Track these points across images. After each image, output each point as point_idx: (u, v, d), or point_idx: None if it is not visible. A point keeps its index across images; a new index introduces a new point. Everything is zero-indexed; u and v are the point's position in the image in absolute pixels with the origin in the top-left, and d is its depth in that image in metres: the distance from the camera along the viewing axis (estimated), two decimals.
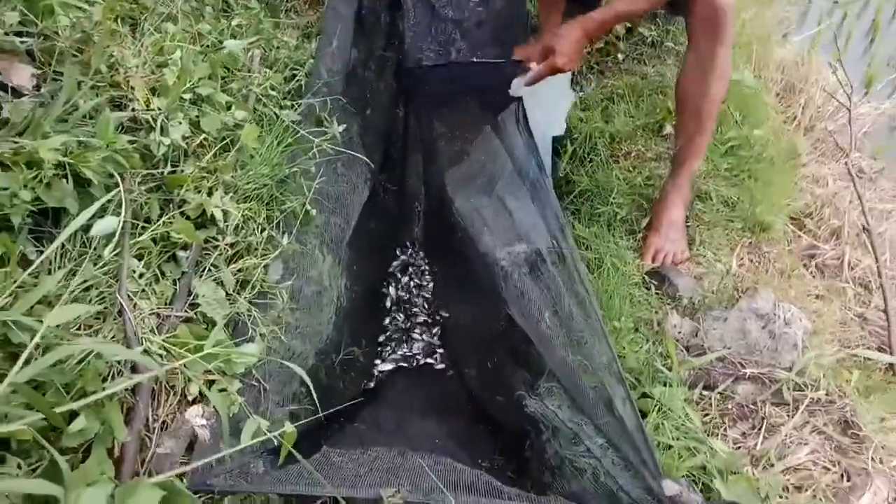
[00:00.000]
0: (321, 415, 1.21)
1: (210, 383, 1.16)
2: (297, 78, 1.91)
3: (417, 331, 2.00)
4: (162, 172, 1.26)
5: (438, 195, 2.20)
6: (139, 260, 1.16)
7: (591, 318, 1.45)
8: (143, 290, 1.14)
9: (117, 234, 1.08)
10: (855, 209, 2.16)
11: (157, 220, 1.22)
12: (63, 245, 1.07)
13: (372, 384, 1.81)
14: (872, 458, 1.28)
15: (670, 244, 1.81)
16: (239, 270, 1.31)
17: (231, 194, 1.35)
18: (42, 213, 1.08)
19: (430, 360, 1.92)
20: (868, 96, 2.91)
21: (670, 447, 1.27)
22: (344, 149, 1.90)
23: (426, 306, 2.10)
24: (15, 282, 0.96)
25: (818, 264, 2.04)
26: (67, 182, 1.06)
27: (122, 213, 1.06)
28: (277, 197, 1.45)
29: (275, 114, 1.65)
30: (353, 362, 1.74)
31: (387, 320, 2.01)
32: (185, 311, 1.19)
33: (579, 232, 1.89)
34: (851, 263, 2.05)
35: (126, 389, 0.99)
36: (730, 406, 1.37)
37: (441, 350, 1.94)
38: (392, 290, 2.11)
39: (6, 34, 1.17)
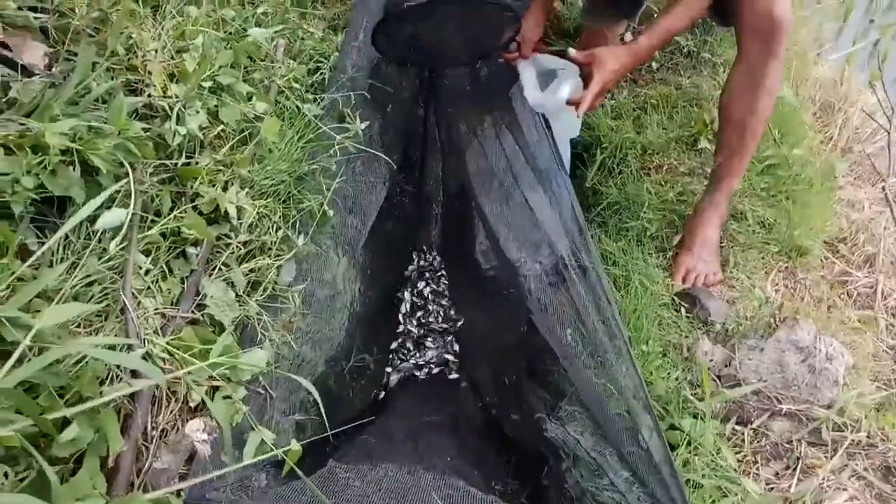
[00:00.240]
0: (329, 433, 1.14)
1: (214, 389, 1.09)
2: (321, 71, 1.84)
3: (431, 339, 1.93)
4: (176, 164, 1.19)
5: (458, 197, 2.13)
6: (146, 255, 1.09)
7: (616, 338, 1.37)
8: (149, 288, 1.07)
9: (124, 228, 1.01)
10: (891, 236, 2.07)
11: (169, 214, 1.15)
12: (67, 236, 1.01)
13: (382, 393, 1.74)
14: None
15: (703, 264, 1.72)
16: (251, 270, 1.24)
17: (247, 190, 1.28)
18: (47, 201, 1.02)
19: (443, 370, 1.85)
20: None
21: (700, 486, 1.19)
22: (365, 146, 1.84)
23: (441, 313, 2.02)
24: (13, 274, 0.90)
25: (850, 292, 1.95)
26: (74, 169, 1.00)
27: (131, 206, 0.99)
28: (295, 195, 1.38)
29: (297, 107, 1.58)
30: (363, 370, 1.67)
31: (400, 327, 1.93)
32: (192, 311, 1.12)
33: (606, 246, 1.80)
34: (885, 293, 1.96)
35: (124, 395, 0.92)
36: (763, 443, 1.29)
37: (455, 360, 1.86)
38: (407, 295, 2.04)
39: (20, 8, 1.10)
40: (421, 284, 2.09)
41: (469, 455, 1.37)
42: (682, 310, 1.62)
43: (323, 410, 1.09)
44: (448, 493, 1.09)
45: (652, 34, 1.61)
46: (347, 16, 2.21)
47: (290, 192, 1.38)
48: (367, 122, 1.84)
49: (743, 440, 1.31)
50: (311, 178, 1.45)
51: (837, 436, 1.29)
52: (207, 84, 1.29)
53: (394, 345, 1.89)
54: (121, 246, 1.03)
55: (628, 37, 2.37)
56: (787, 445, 1.29)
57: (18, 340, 0.80)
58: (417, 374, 1.82)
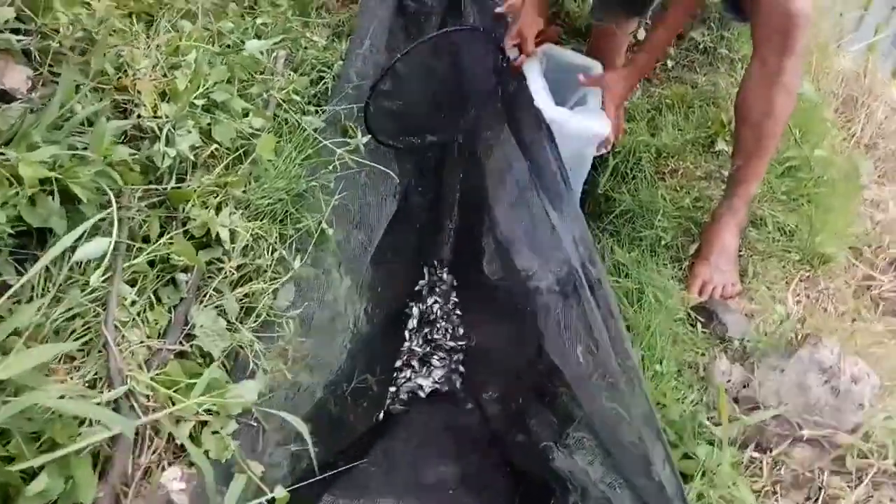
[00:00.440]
0: (321, 476, 1.09)
1: (202, 425, 1.05)
2: (325, 80, 1.79)
3: (438, 357, 1.87)
4: (166, 187, 1.15)
5: (474, 211, 2.07)
6: (132, 285, 1.05)
7: (627, 360, 1.31)
8: (134, 320, 1.03)
9: (107, 258, 0.97)
10: None
11: (158, 240, 1.11)
12: (47, 269, 0.97)
13: (383, 415, 1.68)
14: None
15: (720, 275, 1.65)
16: (245, 296, 1.20)
17: (242, 211, 1.24)
18: (28, 233, 0.98)
19: (450, 390, 1.80)
20: None
21: None
22: (371, 158, 1.78)
23: (450, 331, 1.96)
24: None
25: (873, 297, 1.87)
26: (54, 199, 0.96)
27: (113, 235, 0.95)
28: (293, 213, 1.33)
29: (297, 121, 1.54)
30: (365, 391, 1.62)
31: (406, 345, 1.88)
32: (181, 342, 1.08)
33: (619, 257, 1.73)
34: None
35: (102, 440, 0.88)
36: (783, 472, 1.22)
37: (463, 380, 1.81)
38: (416, 311, 1.98)
39: (1, 31, 1.07)
40: (430, 301, 2.02)
41: (472, 485, 1.32)
42: (699, 325, 1.55)
43: (312, 450, 1.04)
44: None
45: (651, 47, 1.70)
46: (352, 22, 2.16)
47: (287, 212, 1.33)
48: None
49: (761, 469, 1.25)
50: (311, 195, 1.40)
51: (863, 463, 1.22)
52: (200, 102, 1.24)
53: (399, 363, 1.84)
54: (104, 277, 0.99)
55: (641, 33, 2.29)
56: (808, 474, 1.22)
57: None
58: (422, 394, 1.76)
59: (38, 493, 0.76)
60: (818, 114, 2.14)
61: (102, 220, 1.00)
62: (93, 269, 0.99)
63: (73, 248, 0.92)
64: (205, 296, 1.15)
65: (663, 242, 1.75)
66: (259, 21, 1.65)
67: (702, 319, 1.56)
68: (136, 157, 1.11)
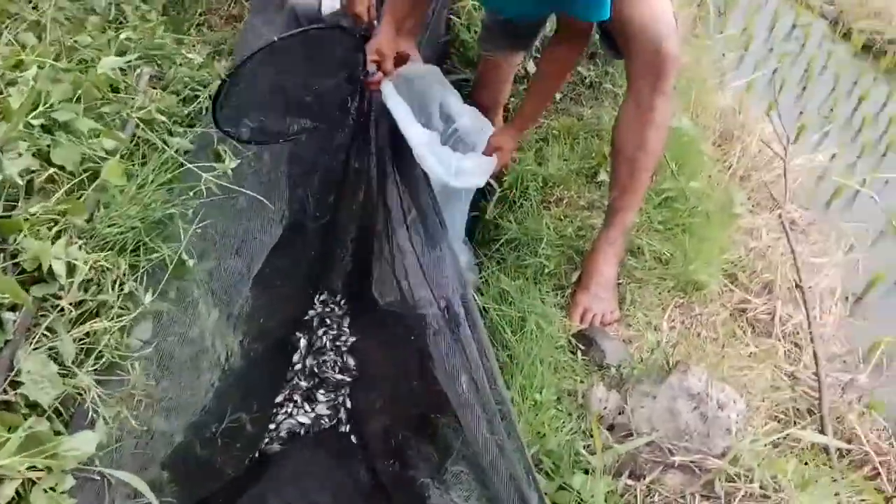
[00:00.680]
0: None
1: (31, 483, 0.93)
2: (200, 100, 1.70)
3: (323, 391, 1.78)
4: None
5: (365, 238, 2.01)
6: None
7: (496, 386, 1.29)
8: None
9: None
10: (787, 262, 2.10)
11: None
12: None
13: (259, 456, 1.58)
14: None
15: (599, 303, 1.68)
16: (86, 335, 1.08)
17: (84, 241, 1.13)
18: None
19: (334, 426, 1.71)
20: (800, 145, 2.90)
21: None
22: (253, 181, 1.70)
23: (338, 363, 1.88)
24: None
25: (749, 319, 1.96)
26: None
27: None
28: (147, 243, 1.23)
29: (161, 142, 1.44)
30: (239, 431, 1.52)
31: (289, 378, 1.78)
32: (4, 390, 0.96)
33: (504, 285, 1.73)
34: (783, 319, 1.97)
35: None
36: (656, 499, 1.22)
37: (347, 415, 1.73)
38: (303, 342, 1.88)
39: None
40: (320, 331, 1.94)
41: None
42: (579, 352, 1.56)
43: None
44: None
45: (534, 101, 1.75)
46: (234, 40, 2.09)
47: (140, 241, 1.23)
48: (254, 153, 1.73)
49: (636, 496, 1.25)
50: (171, 222, 1.31)
51: (731, 487, 1.25)
52: (38, 122, 1.13)
53: (279, 398, 1.74)
54: None
55: (531, 67, 2.34)
56: (680, 500, 1.23)
57: None
58: (304, 430, 1.67)
59: None
60: (695, 147, 2.24)
61: None
62: None
63: None
64: (35, 337, 1.03)
65: (547, 270, 1.77)
66: (123, 36, 1.54)
67: (582, 346, 1.57)
68: None
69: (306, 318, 1.93)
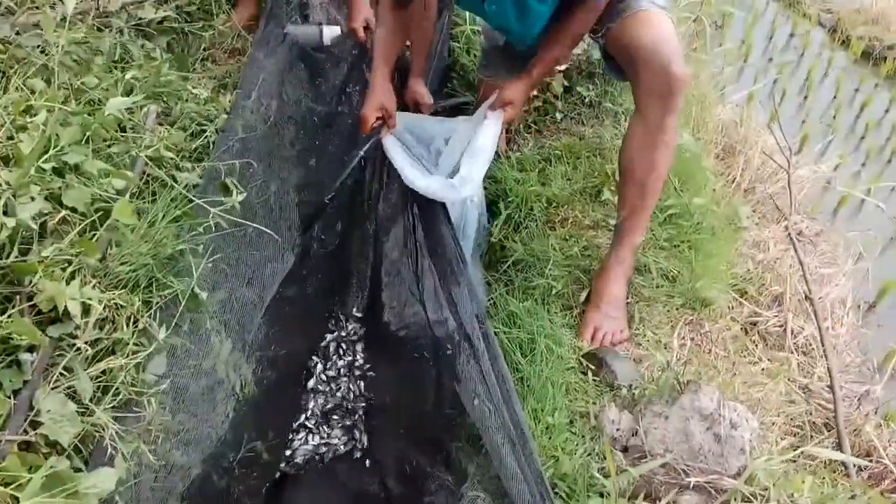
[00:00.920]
0: None
1: None
2: (207, 134, 1.73)
3: (338, 416, 1.79)
4: (7, 260, 1.05)
5: (381, 264, 2.03)
6: None
7: (516, 415, 1.29)
8: None
9: None
10: (796, 273, 2.09)
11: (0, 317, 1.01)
12: None
13: (276, 483, 1.59)
14: None
15: (609, 322, 1.68)
16: (102, 373, 1.10)
17: (98, 280, 1.15)
18: None
19: (349, 451, 1.71)
20: (804, 155, 2.90)
21: None
22: (261, 213, 1.73)
23: (353, 388, 1.88)
24: None
25: (760, 332, 1.95)
26: None
27: None
28: (159, 279, 1.25)
29: (172, 177, 1.46)
30: (255, 459, 1.52)
31: (304, 404, 1.79)
32: (25, 430, 0.98)
33: (512, 307, 1.73)
34: (794, 331, 1.96)
35: None
36: None
37: (363, 439, 1.73)
38: (319, 367, 1.89)
39: None
40: (335, 356, 1.95)
41: None
42: (590, 373, 1.56)
43: None
44: None
45: (542, 64, 1.73)
46: (239, 74, 2.12)
47: (153, 277, 1.25)
48: (261, 186, 1.76)
49: None
50: (182, 258, 1.33)
51: None
52: (49, 165, 1.15)
53: (295, 425, 1.74)
54: None
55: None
56: None
57: None
58: (320, 456, 1.68)
59: None
60: (698, 163, 2.25)
61: None
62: None
63: None
64: (53, 377, 1.05)
65: (554, 291, 1.77)
66: (129, 75, 1.57)
67: (592, 367, 1.57)
68: None
69: (321, 344, 1.95)
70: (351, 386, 1.87)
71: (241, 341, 1.54)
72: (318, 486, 1.57)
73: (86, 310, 1.09)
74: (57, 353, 1.08)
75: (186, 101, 1.79)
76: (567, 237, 1.92)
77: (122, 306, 1.16)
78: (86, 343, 1.09)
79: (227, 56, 2.28)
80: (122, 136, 1.39)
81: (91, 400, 1.07)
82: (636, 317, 1.72)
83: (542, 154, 2.22)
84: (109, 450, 1.06)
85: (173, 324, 1.22)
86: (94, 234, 1.18)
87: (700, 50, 3.11)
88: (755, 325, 1.94)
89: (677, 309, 1.75)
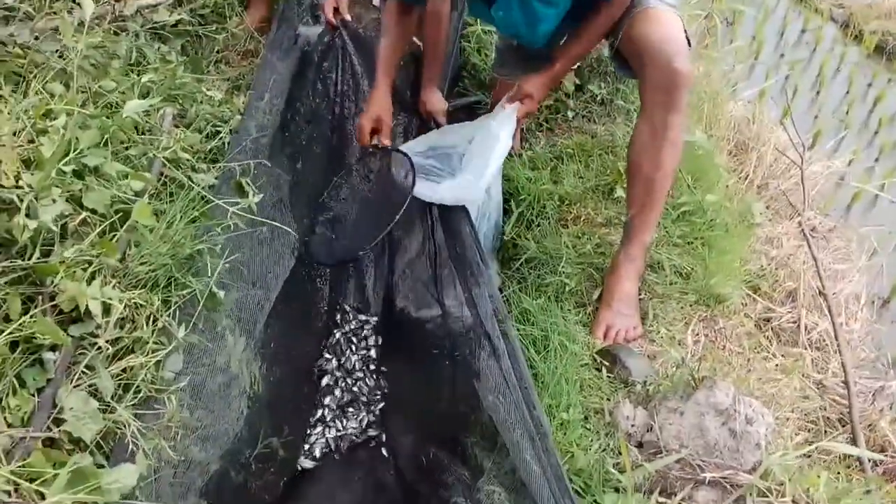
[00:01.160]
0: None
1: None
2: (221, 135, 1.75)
3: (353, 409, 1.80)
4: (30, 261, 1.07)
5: (391, 258, 2.05)
6: None
7: (534, 410, 1.30)
8: None
9: None
10: (809, 269, 2.09)
11: (22, 317, 1.03)
12: None
13: (294, 476, 1.60)
14: None
15: (622, 319, 1.68)
16: (123, 371, 1.12)
17: (118, 280, 1.17)
18: None
19: (364, 443, 1.73)
20: (817, 151, 2.89)
21: None
22: (270, 215, 1.74)
23: (367, 381, 1.90)
24: None
25: (774, 329, 1.94)
26: None
27: None
28: (178, 279, 1.27)
29: (188, 178, 1.48)
30: (272, 455, 1.54)
31: (319, 398, 1.80)
32: (49, 427, 1.00)
33: (526, 304, 1.74)
34: (808, 327, 1.95)
35: None
36: None
37: (379, 432, 1.75)
38: (333, 362, 1.91)
39: None
40: (347, 351, 1.96)
41: None
42: (604, 370, 1.56)
43: None
44: None
45: (565, 59, 1.75)
46: (252, 76, 2.14)
47: (171, 277, 1.26)
48: (273, 188, 1.77)
49: None
50: (200, 258, 1.35)
51: (762, 502, 1.24)
52: (69, 168, 1.17)
53: (312, 419, 1.76)
54: None
55: None
56: None
57: None
58: (335, 451, 1.69)
59: None
60: (710, 160, 2.24)
61: None
62: None
63: None
64: (75, 375, 1.06)
65: (567, 288, 1.78)
66: (145, 78, 1.59)
67: (606, 364, 1.57)
68: None
69: (334, 338, 1.96)
70: (366, 379, 1.89)
71: (253, 339, 1.56)
72: (334, 480, 1.59)
73: (106, 309, 1.11)
74: (79, 351, 1.10)
75: (201, 102, 1.81)
76: (580, 235, 1.93)
77: (141, 306, 1.18)
78: (107, 342, 1.11)
79: (241, 58, 2.30)
80: (140, 139, 1.41)
81: (112, 397, 1.08)
82: (650, 313, 1.72)
83: (555, 152, 2.23)
84: (130, 446, 1.07)
85: (192, 323, 1.23)
86: (114, 235, 1.20)
87: (711, 47, 3.10)
88: (769, 321, 1.94)
89: (691, 305, 1.75)
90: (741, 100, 2.89)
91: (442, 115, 2.08)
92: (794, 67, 3.44)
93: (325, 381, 1.86)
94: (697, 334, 1.71)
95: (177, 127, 1.61)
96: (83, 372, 1.07)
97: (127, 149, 1.37)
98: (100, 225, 1.18)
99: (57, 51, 1.50)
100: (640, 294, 1.76)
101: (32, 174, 1.10)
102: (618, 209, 2.00)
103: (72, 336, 1.08)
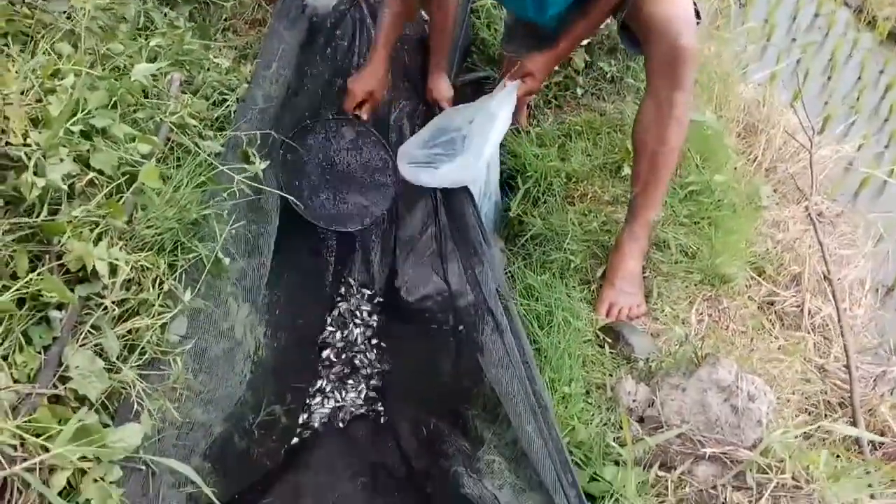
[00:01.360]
0: None
1: (82, 473, 0.97)
2: (228, 104, 1.73)
3: (353, 381, 1.82)
4: (37, 219, 1.07)
5: (395, 232, 2.05)
6: None
7: (535, 384, 1.31)
8: None
9: None
10: (815, 253, 2.08)
11: (29, 275, 1.03)
12: None
13: (294, 445, 1.62)
14: None
15: (626, 297, 1.68)
16: (128, 332, 1.12)
17: (124, 242, 1.16)
18: None
19: (364, 415, 1.74)
20: (826, 136, 2.87)
21: None
22: (281, 181, 1.74)
23: (369, 353, 1.92)
24: None
25: (778, 312, 1.94)
26: None
27: None
28: (184, 243, 1.27)
29: (195, 144, 1.47)
30: (274, 422, 1.55)
31: (321, 369, 1.82)
32: (54, 385, 1.00)
33: (530, 280, 1.74)
34: (811, 311, 1.96)
35: None
36: (688, 490, 1.23)
37: (379, 404, 1.76)
38: (338, 335, 1.92)
39: None
40: (350, 323, 1.98)
41: None
42: (606, 346, 1.57)
43: (207, 490, 0.98)
44: None
45: (569, 39, 1.75)
46: (260, 45, 2.12)
47: (178, 241, 1.26)
48: (279, 156, 1.77)
49: (667, 487, 1.26)
50: (206, 223, 1.34)
51: (762, 478, 1.25)
52: (77, 128, 1.17)
53: (312, 389, 1.77)
54: None
55: None
56: (711, 491, 1.23)
57: None
58: (337, 420, 1.71)
59: None
60: (719, 140, 2.23)
61: None
62: None
63: None
64: (81, 334, 1.07)
65: (573, 265, 1.77)
66: (153, 43, 1.58)
67: (609, 340, 1.57)
68: (2, 188, 1.03)
69: (336, 311, 1.97)
70: (367, 351, 1.90)
71: (257, 306, 1.56)
72: (335, 449, 1.60)
73: (113, 270, 1.11)
74: (85, 311, 1.10)
75: (208, 70, 1.79)
76: (586, 212, 1.92)
77: (147, 268, 1.18)
78: (113, 303, 1.11)
79: (248, 27, 2.28)
80: (147, 102, 1.40)
81: (118, 358, 1.09)
82: (654, 292, 1.72)
83: (563, 129, 2.21)
84: (136, 406, 1.08)
85: (197, 287, 1.23)
86: (121, 197, 1.20)
87: (723, 28, 3.07)
88: (772, 304, 1.94)
89: (696, 285, 1.75)
90: (752, 82, 2.86)
91: (448, 103, 2.07)
92: (806, 51, 3.40)
93: (325, 353, 1.87)
94: (701, 313, 1.71)
95: (184, 93, 1.60)
96: (89, 332, 1.08)
97: (135, 112, 1.36)
98: (107, 186, 1.18)
99: (65, 12, 1.49)
100: (644, 272, 1.75)
101: (40, 132, 1.09)
102: (625, 187, 1.99)
103: (78, 295, 1.08)
